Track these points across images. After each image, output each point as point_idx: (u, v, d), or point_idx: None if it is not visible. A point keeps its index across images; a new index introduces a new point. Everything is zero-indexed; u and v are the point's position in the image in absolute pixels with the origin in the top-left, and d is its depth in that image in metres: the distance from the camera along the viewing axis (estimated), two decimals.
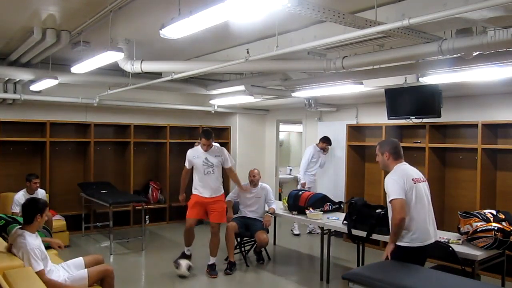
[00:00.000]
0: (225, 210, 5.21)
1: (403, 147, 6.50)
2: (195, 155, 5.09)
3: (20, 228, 3.41)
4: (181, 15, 2.83)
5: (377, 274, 3.04)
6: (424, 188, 3.33)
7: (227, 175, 5.18)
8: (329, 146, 7.09)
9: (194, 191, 5.12)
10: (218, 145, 5.47)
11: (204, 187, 5.04)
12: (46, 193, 6.10)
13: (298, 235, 7.21)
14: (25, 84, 6.15)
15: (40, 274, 3.13)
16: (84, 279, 3.43)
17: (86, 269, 3.52)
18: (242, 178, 5.56)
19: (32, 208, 3.42)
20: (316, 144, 7.09)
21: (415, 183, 3.24)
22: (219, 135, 8.75)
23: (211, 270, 5.03)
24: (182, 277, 4.88)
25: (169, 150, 7.72)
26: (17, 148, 6.62)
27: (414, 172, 3.36)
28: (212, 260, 5.08)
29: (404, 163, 3.40)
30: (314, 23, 3.93)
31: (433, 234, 3.32)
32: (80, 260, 3.65)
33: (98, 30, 4.16)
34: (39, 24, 4.22)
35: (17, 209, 5.45)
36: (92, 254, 3.93)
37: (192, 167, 5.15)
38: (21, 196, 5.58)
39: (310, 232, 7.29)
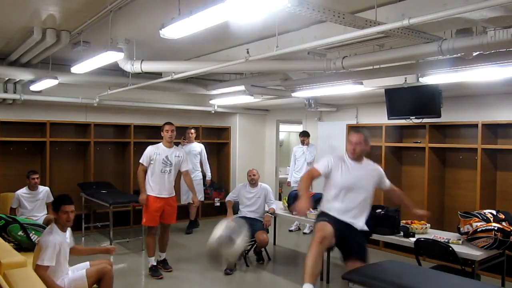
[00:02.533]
0: (176, 210, 5.15)
1: (403, 147, 6.56)
2: (156, 151, 4.94)
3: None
4: (181, 15, 2.83)
5: (377, 274, 3.04)
6: None
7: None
8: (306, 138, 7.16)
9: (149, 192, 4.92)
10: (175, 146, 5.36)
11: (160, 186, 4.91)
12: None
13: (291, 231, 7.36)
14: (25, 84, 6.15)
15: (41, 269, 3.14)
16: (82, 278, 3.41)
17: (84, 270, 3.49)
18: (243, 178, 5.56)
19: (54, 204, 3.49)
20: None
21: None
22: (219, 135, 8.76)
23: (164, 265, 5.09)
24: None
25: None
26: (17, 148, 6.62)
27: None
28: (162, 256, 5.12)
29: None
30: (314, 23, 3.93)
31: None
32: (86, 264, 3.61)
33: (98, 30, 4.16)
34: (39, 24, 4.23)
35: (15, 204, 5.57)
36: (99, 259, 3.84)
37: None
38: (21, 193, 5.64)
39: (290, 230, 7.39)
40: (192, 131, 7.10)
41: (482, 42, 3.04)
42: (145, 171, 4.96)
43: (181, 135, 8.15)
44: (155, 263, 4.99)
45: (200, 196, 7.12)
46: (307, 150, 7.11)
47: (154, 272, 4.95)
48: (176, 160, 5.00)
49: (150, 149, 4.98)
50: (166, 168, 4.93)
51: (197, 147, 7.24)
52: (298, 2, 2.45)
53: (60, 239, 3.34)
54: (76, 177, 7.03)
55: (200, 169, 7.21)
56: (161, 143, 5.03)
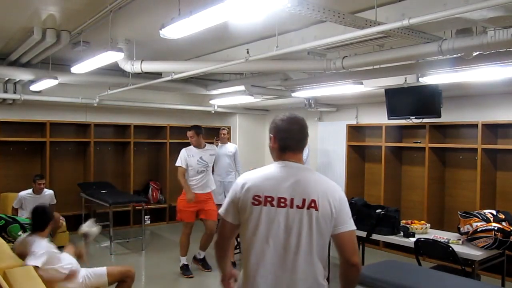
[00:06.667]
0: (216, 207, 5.19)
1: (403, 147, 6.56)
2: (190, 153, 5.07)
3: (30, 235, 3.40)
4: (181, 15, 2.83)
5: (377, 274, 3.04)
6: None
7: None
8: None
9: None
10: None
11: (198, 185, 5.05)
12: None
13: None
14: (25, 84, 6.15)
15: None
16: (102, 274, 3.42)
17: (105, 267, 3.49)
18: None
19: (45, 217, 3.46)
20: None
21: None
22: (219, 135, 8.74)
23: (204, 264, 5.14)
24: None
25: (169, 150, 7.70)
26: (17, 148, 6.62)
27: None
28: (202, 255, 5.15)
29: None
30: (314, 23, 3.93)
31: None
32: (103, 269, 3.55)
33: (98, 30, 4.16)
34: (39, 24, 4.22)
35: (17, 205, 5.51)
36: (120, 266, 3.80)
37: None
38: (25, 195, 5.56)
39: None
40: (225, 131, 6.78)
41: (482, 42, 3.05)
42: (184, 173, 5.04)
43: (184, 136, 8.11)
44: (186, 263, 5.05)
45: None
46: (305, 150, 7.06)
47: (185, 271, 5.02)
48: (211, 159, 5.18)
49: (184, 152, 5.10)
50: (202, 168, 5.06)
51: (231, 147, 6.84)
52: (298, 2, 2.45)
53: (49, 245, 3.35)
54: (76, 177, 7.03)
55: (233, 171, 6.78)
56: (191, 145, 5.15)
